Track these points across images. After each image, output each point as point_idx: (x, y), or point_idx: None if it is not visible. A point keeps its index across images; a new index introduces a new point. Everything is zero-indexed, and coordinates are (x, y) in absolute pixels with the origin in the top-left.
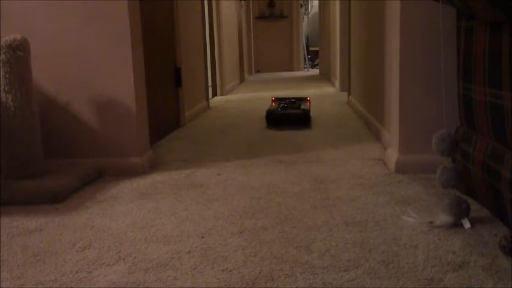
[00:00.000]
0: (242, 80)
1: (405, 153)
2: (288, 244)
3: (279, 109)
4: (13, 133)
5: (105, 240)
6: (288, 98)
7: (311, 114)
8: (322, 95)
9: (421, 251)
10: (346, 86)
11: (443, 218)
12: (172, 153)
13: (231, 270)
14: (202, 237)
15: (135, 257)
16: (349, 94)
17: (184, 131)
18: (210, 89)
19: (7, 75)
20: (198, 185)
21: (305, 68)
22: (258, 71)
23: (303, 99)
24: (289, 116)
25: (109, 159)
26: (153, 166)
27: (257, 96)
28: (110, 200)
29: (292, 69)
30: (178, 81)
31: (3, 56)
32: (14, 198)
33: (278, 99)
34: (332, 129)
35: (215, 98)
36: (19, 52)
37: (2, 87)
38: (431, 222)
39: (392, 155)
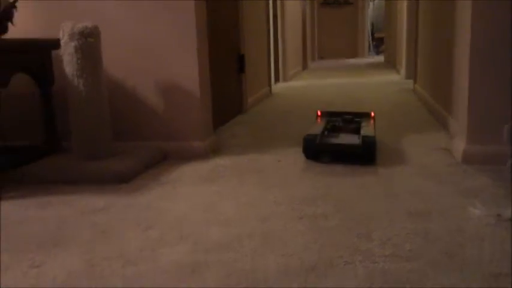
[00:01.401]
0: (305, 66)
1: (473, 143)
2: (348, 232)
3: (325, 133)
4: (83, 116)
5: (167, 221)
6: (342, 113)
7: (376, 141)
8: (387, 82)
9: (487, 244)
10: (411, 74)
11: None
12: (235, 139)
13: (290, 255)
14: (263, 221)
15: (196, 238)
16: (415, 82)
17: (247, 116)
18: (272, 76)
19: (79, 61)
20: (259, 170)
21: (370, 54)
22: (322, 58)
23: (364, 116)
24: (339, 148)
25: (173, 143)
26: (216, 150)
27: (320, 83)
28: (172, 182)
29: (356, 56)
30: (241, 68)
31: (76, 42)
32: (83, 178)
33: (326, 115)
34: (396, 116)
35: (277, 84)
36: (90, 39)
37: (75, 72)
38: (499, 215)
39: (459, 144)
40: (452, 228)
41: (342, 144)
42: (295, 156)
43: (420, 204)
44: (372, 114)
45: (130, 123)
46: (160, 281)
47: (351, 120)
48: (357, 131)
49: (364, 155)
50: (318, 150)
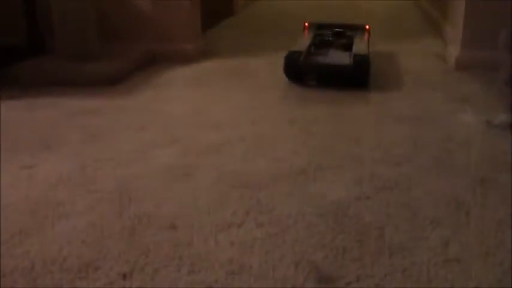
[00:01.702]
0: None
1: (467, 49)
2: (338, 136)
3: (312, 50)
4: (67, 16)
5: (159, 123)
6: (333, 25)
7: (370, 61)
8: None
9: (475, 150)
10: None
11: (502, 117)
12: (224, 41)
13: (280, 158)
14: (253, 125)
15: (187, 141)
16: None
17: (237, 19)
18: None
19: None
20: (249, 74)
21: None
22: None
23: (358, 29)
24: (327, 69)
25: (161, 45)
26: (205, 53)
27: None
28: (163, 84)
29: None
30: None
31: None
32: (72, 79)
33: (315, 27)
34: (392, 26)
35: None
36: None
37: None
38: (488, 121)
39: (453, 50)
40: (442, 135)
41: (329, 64)
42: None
43: (411, 110)
44: (367, 27)
45: (117, 23)
46: (152, 183)
47: (342, 34)
48: (348, 47)
49: (356, 77)
50: (301, 71)
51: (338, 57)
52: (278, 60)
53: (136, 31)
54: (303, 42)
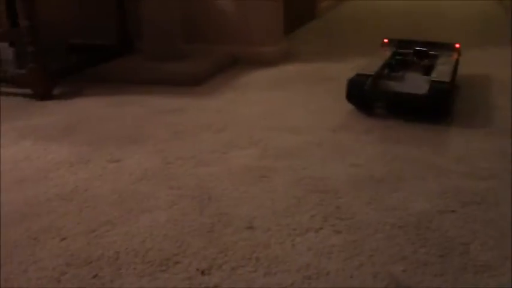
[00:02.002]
0: None
1: None
2: (422, 146)
3: (385, 72)
4: (155, 18)
5: (238, 125)
6: (415, 42)
7: (451, 90)
8: None
9: None
10: None
11: None
12: (306, 45)
13: (360, 166)
14: (332, 131)
15: (266, 144)
16: None
17: (319, 23)
18: None
19: None
20: (329, 78)
21: None
22: None
23: (445, 48)
24: (396, 99)
25: (243, 47)
26: (287, 57)
27: None
28: (243, 87)
29: None
30: None
31: None
32: (157, 79)
33: (395, 43)
34: (490, 42)
35: None
36: None
37: None
38: None
39: None
40: None
41: (399, 93)
42: None
43: (499, 123)
44: (457, 45)
45: (200, 26)
46: (230, 182)
47: (425, 53)
48: (429, 70)
49: (432, 109)
50: (367, 99)
51: (413, 84)
52: (360, 65)
53: (219, 33)
54: (376, 61)
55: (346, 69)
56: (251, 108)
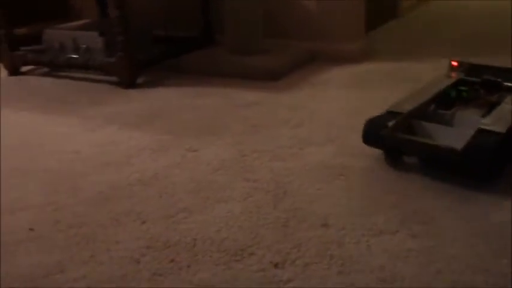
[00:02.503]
0: None
1: None
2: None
3: (430, 109)
4: (238, 12)
5: (316, 121)
6: (491, 68)
7: (501, 145)
8: None
9: None
10: None
11: None
12: (386, 44)
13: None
14: None
15: (343, 142)
16: None
17: (401, 21)
18: None
19: None
20: (409, 78)
21: None
22: None
23: None
24: (421, 150)
25: (322, 44)
26: (366, 55)
27: None
28: (322, 83)
29: None
30: None
31: None
32: (236, 72)
33: (464, 68)
34: None
35: None
36: None
37: None
38: None
39: None
40: None
41: (424, 144)
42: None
43: None
44: None
45: (280, 21)
46: (306, 179)
47: (496, 85)
48: (491, 109)
49: (469, 168)
50: (387, 147)
51: (460, 130)
52: (443, 66)
53: (298, 29)
54: (427, 92)
55: (427, 70)
56: (329, 105)
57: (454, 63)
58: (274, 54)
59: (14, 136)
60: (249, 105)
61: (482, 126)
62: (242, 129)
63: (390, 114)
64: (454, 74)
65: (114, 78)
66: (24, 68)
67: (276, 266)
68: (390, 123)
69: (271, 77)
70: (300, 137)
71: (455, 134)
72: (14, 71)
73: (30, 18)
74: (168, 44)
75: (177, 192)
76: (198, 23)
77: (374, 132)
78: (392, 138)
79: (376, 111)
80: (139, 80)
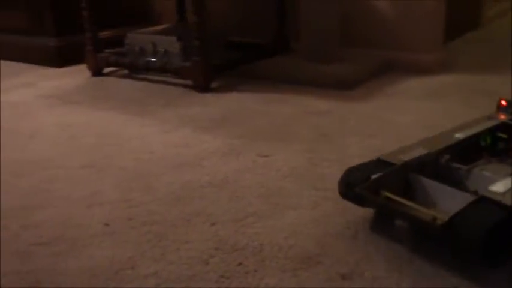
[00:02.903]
0: None
1: None
2: None
3: (442, 161)
4: (314, 18)
5: (388, 132)
6: None
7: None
8: None
9: None
10: None
11: None
12: (466, 56)
13: None
14: None
15: None
16: None
17: (483, 32)
18: None
19: None
20: (489, 92)
21: None
22: None
23: None
24: (399, 217)
25: (399, 53)
26: (444, 66)
27: None
28: (396, 94)
29: None
30: None
31: None
32: (309, 80)
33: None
34: None
35: None
36: None
37: None
38: None
39: None
40: None
41: (399, 209)
42: None
43: None
44: None
45: (357, 28)
46: None
47: None
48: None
49: (458, 249)
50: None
51: (465, 195)
52: None
53: (374, 37)
54: (444, 138)
55: (508, 84)
56: (403, 117)
57: (503, 102)
58: (349, 63)
59: (93, 134)
60: (321, 113)
61: (488, 194)
62: (313, 137)
63: (380, 163)
64: (501, 116)
65: (189, 82)
66: (106, 70)
67: (343, 277)
68: (373, 177)
69: (345, 86)
70: (371, 148)
71: (461, 198)
72: (96, 72)
73: (114, 22)
74: (243, 50)
75: (246, 196)
76: (273, 30)
77: (351, 186)
78: (365, 198)
79: (450, 124)
80: (214, 85)
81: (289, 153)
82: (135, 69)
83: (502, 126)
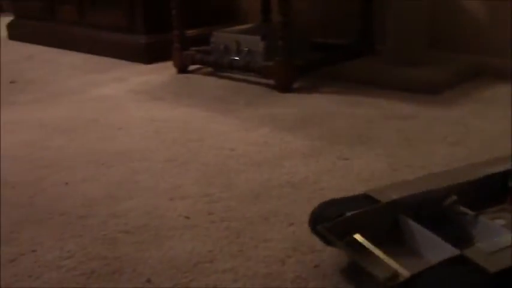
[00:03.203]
0: None
1: None
2: None
3: (444, 207)
4: (402, 20)
5: (475, 141)
6: None
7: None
8: None
9: None
10: None
11: None
12: None
13: None
14: None
15: None
16: None
17: None
18: None
19: None
20: None
21: None
22: None
23: None
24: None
25: (488, 59)
26: None
27: None
28: (485, 101)
29: None
30: None
31: None
32: (393, 83)
33: None
34: None
35: None
36: None
37: None
38: None
39: None
40: None
41: (357, 260)
42: None
43: None
44: None
45: (445, 31)
46: None
47: None
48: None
49: None
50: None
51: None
52: None
53: (462, 40)
54: (456, 175)
55: None
56: (492, 125)
57: None
58: (435, 67)
59: (176, 129)
60: (404, 117)
61: (469, 252)
62: (395, 141)
63: (365, 199)
64: None
65: (271, 82)
66: (191, 67)
67: None
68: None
69: (431, 90)
70: (456, 156)
71: (442, 252)
72: (182, 69)
73: (201, 21)
74: (326, 51)
75: (325, 198)
76: (357, 31)
77: (321, 221)
78: (326, 238)
79: None
80: (296, 85)
81: (370, 157)
82: (219, 67)
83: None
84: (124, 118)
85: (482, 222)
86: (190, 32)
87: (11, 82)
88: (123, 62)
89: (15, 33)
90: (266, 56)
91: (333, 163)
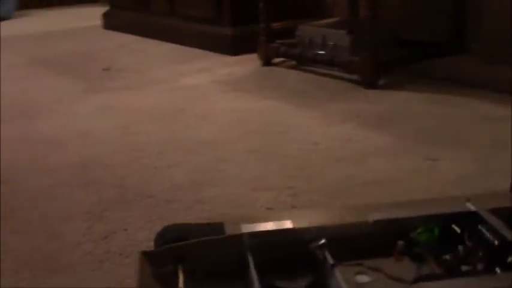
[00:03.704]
0: None
1: None
2: None
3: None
4: (497, 17)
5: None
6: None
7: None
8: None
9: None
10: None
11: None
12: None
13: None
14: None
15: None
16: None
17: None
18: None
19: None
20: None
21: None
22: None
23: None
24: None
25: None
26: None
27: None
28: None
29: None
30: None
31: None
32: (484, 82)
33: None
34: None
35: None
36: None
37: None
38: None
39: None
40: None
41: None
42: None
43: None
44: None
45: None
46: None
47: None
48: None
49: None
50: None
51: None
52: None
53: None
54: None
55: None
56: None
57: None
58: None
59: (259, 121)
60: (496, 119)
61: None
62: (486, 144)
63: (217, 229)
64: None
65: (356, 77)
66: (276, 60)
67: None
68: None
69: None
70: None
71: None
72: (266, 62)
73: (287, 14)
74: (413, 48)
75: (412, 198)
76: (448, 28)
77: (159, 245)
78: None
79: None
80: (381, 81)
81: (458, 159)
82: (304, 60)
83: (462, 215)
84: (209, 108)
85: (336, 275)
86: (275, 25)
87: (104, 69)
88: (210, 53)
89: (109, 22)
90: (352, 51)
91: (419, 163)
